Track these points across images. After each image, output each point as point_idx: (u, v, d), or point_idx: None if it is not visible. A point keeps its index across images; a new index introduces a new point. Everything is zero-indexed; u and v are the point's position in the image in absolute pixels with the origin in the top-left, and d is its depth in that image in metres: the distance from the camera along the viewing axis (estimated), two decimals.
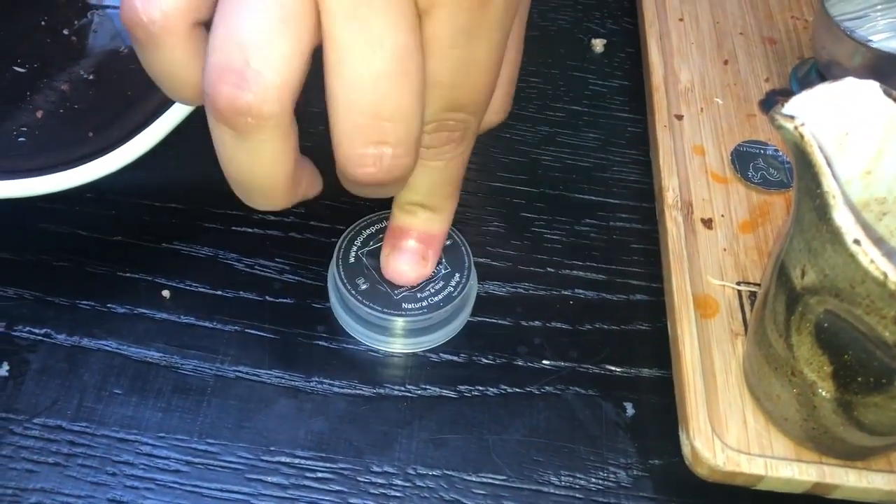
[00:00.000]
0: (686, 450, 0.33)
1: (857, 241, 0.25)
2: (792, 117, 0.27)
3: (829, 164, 0.27)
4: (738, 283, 0.38)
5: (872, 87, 0.30)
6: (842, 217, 0.26)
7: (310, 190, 0.30)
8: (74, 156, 0.35)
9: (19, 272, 0.37)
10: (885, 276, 0.25)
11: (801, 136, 0.27)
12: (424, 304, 0.35)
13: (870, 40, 0.43)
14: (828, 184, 0.26)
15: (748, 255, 0.39)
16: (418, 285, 0.35)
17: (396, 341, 0.36)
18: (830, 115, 0.30)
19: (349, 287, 0.35)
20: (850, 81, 0.30)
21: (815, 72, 0.46)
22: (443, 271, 0.36)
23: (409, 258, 0.34)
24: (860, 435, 0.31)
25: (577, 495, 0.33)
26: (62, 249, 0.38)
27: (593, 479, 0.33)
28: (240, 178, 0.27)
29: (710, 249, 0.39)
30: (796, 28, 0.51)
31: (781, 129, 0.28)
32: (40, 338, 0.35)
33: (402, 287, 0.35)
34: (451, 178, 0.31)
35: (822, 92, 0.30)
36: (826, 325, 0.28)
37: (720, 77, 0.47)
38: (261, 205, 0.28)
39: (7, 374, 0.34)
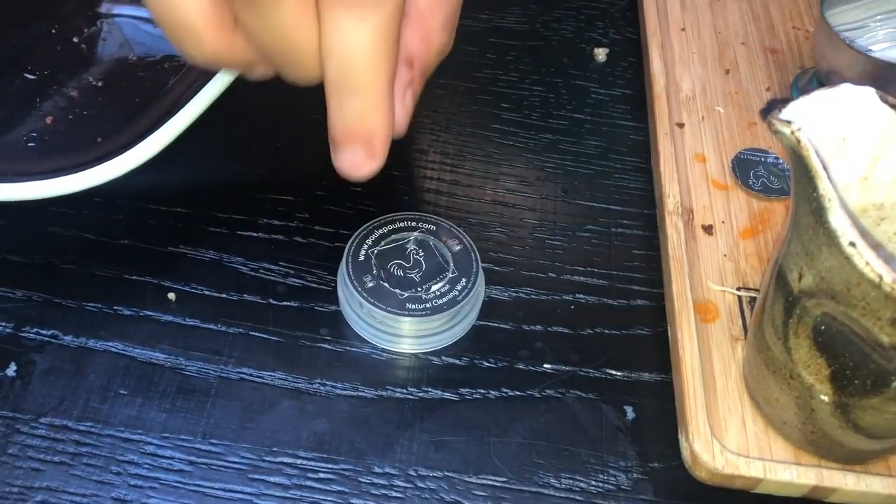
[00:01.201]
0: (685, 453, 0.33)
1: (852, 244, 0.26)
2: (789, 122, 0.28)
3: (825, 168, 0.27)
4: (739, 289, 0.38)
5: (869, 93, 0.30)
6: (837, 220, 0.26)
7: None
8: (82, 160, 0.36)
9: (28, 274, 0.38)
10: (881, 277, 0.25)
11: (798, 141, 0.27)
12: (428, 305, 0.35)
13: (870, 50, 0.43)
14: (824, 187, 0.27)
15: (748, 261, 0.39)
16: (424, 286, 0.36)
17: (400, 341, 0.36)
18: (828, 121, 0.30)
19: (356, 284, 0.36)
20: (846, 87, 0.30)
21: (816, 81, 0.47)
22: (450, 275, 0.37)
23: (352, 160, 0.31)
24: (858, 438, 0.31)
25: (577, 498, 0.33)
26: (70, 252, 0.39)
27: (593, 482, 0.34)
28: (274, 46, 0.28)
29: (711, 255, 0.39)
30: (798, 38, 0.51)
31: (778, 133, 0.28)
32: (47, 339, 0.36)
33: (408, 289, 0.36)
34: (367, 47, 0.28)
35: (819, 98, 0.30)
36: (823, 327, 0.29)
37: (721, 86, 0.48)
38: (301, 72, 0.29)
39: (14, 374, 0.35)
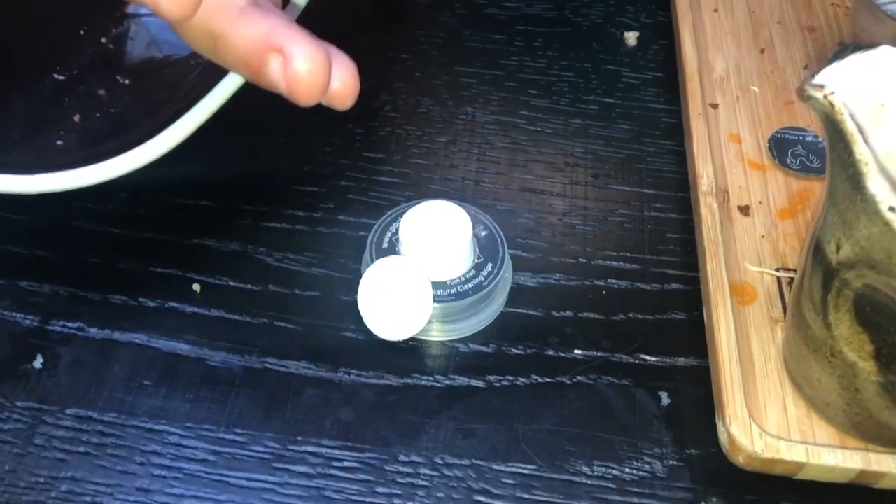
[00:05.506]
0: (723, 437, 0.32)
1: (892, 209, 0.24)
2: (822, 87, 0.26)
3: (861, 133, 0.26)
4: (777, 270, 0.37)
5: None
6: (876, 185, 0.25)
7: None
8: (105, 150, 0.36)
9: (54, 269, 0.38)
10: None
11: (832, 105, 0.26)
12: (453, 291, 0.35)
13: None
14: (860, 151, 0.25)
15: (787, 242, 0.38)
16: (450, 273, 0.35)
17: (425, 328, 0.35)
18: (865, 86, 0.28)
19: None
20: (885, 50, 0.29)
21: None
22: (475, 261, 0.36)
23: (313, 56, 0.26)
24: None
25: (611, 486, 0.32)
26: (96, 246, 0.39)
27: (627, 470, 0.32)
28: None
29: (748, 236, 0.38)
30: (836, 15, 0.49)
31: (811, 99, 0.27)
32: (73, 331, 0.36)
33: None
34: None
35: (855, 62, 0.28)
36: (864, 300, 0.27)
37: (757, 66, 0.46)
38: None
39: (41, 366, 0.35)
